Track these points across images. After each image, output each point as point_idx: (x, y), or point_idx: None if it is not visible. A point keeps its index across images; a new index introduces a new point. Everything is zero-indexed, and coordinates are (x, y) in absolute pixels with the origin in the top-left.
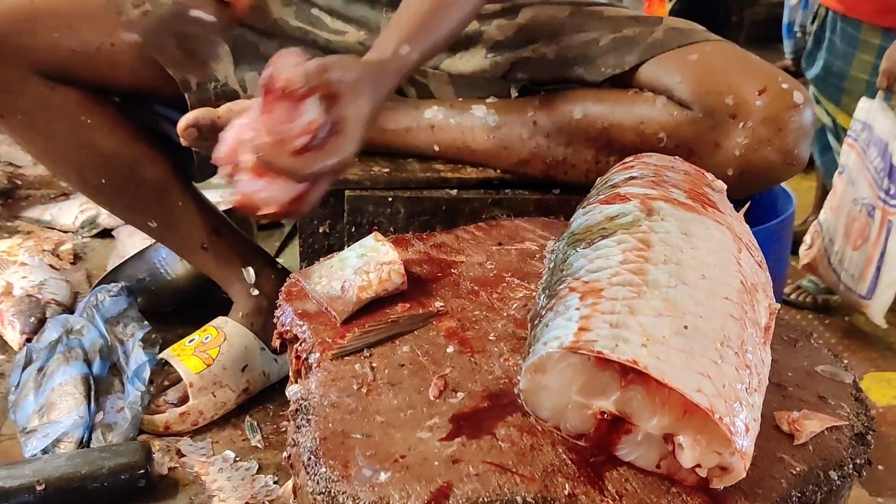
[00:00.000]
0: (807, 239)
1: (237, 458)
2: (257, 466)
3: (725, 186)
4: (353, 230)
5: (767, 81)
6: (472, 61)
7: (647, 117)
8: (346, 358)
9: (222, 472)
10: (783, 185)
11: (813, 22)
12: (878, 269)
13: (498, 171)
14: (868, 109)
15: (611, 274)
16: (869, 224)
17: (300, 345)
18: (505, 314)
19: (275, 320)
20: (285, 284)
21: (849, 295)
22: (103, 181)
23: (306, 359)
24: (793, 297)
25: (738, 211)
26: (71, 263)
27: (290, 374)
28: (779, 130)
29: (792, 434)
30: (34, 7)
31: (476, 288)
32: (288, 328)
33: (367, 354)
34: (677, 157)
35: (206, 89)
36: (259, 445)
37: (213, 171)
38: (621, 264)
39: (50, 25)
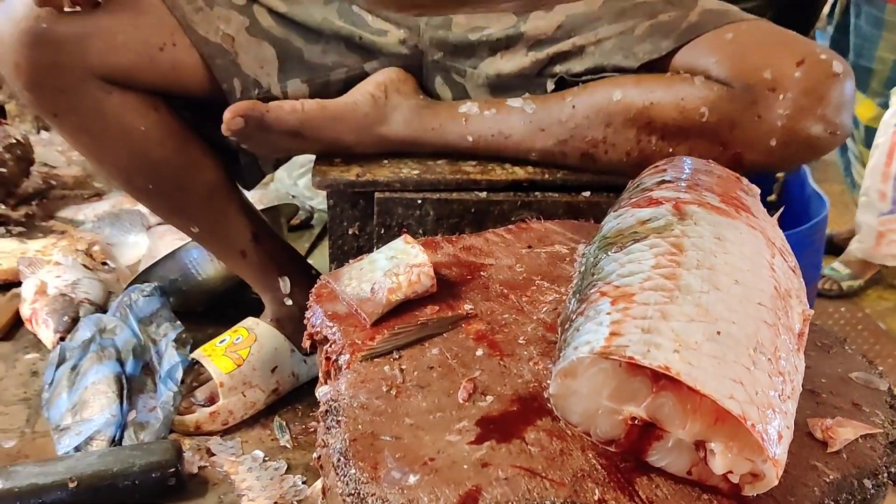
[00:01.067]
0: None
1: (266, 458)
2: (286, 466)
3: (759, 191)
4: (382, 232)
5: (805, 53)
6: (513, 60)
7: (687, 94)
8: (375, 360)
9: (251, 472)
10: (816, 188)
11: (832, 12)
12: None
13: (536, 168)
14: None
15: (643, 279)
16: None
17: (330, 346)
18: (535, 318)
19: (305, 321)
20: (315, 286)
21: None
22: (150, 186)
23: (336, 360)
24: (820, 286)
25: (771, 216)
26: (103, 263)
27: (320, 375)
28: (820, 100)
29: (825, 441)
30: (97, 7)
31: (505, 291)
32: (318, 329)
33: (397, 356)
34: (711, 161)
35: (250, 96)
36: (288, 445)
37: (260, 176)
38: (653, 269)
39: (115, 26)
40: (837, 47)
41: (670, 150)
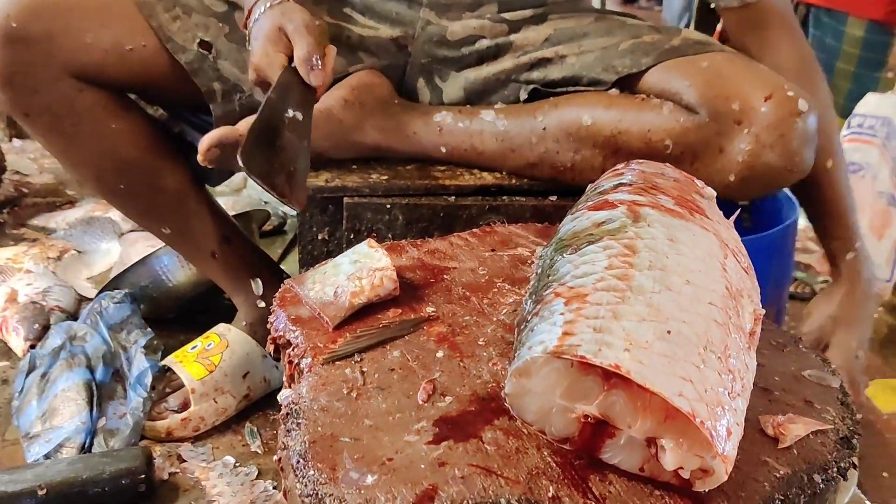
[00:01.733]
0: (816, 245)
1: (237, 464)
2: (257, 472)
3: (715, 193)
4: (351, 237)
5: (774, 88)
6: (496, 66)
7: (654, 125)
8: (336, 363)
9: (222, 478)
10: (787, 192)
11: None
12: None
13: (503, 172)
14: (888, 104)
15: (596, 279)
16: (890, 212)
17: (293, 350)
18: (495, 319)
19: (268, 326)
20: (279, 290)
21: (875, 284)
22: (121, 186)
23: (298, 364)
24: (792, 289)
25: (729, 218)
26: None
27: (285, 379)
28: (781, 136)
29: (777, 438)
30: (69, 9)
31: (467, 293)
32: (281, 333)
33: (358, 359)
34: (668, 164)
35: (232, 100)
36: (259, 451)
37: (228, 174)
38: (606, 270)
39: (84, 27)
40: None
41: None
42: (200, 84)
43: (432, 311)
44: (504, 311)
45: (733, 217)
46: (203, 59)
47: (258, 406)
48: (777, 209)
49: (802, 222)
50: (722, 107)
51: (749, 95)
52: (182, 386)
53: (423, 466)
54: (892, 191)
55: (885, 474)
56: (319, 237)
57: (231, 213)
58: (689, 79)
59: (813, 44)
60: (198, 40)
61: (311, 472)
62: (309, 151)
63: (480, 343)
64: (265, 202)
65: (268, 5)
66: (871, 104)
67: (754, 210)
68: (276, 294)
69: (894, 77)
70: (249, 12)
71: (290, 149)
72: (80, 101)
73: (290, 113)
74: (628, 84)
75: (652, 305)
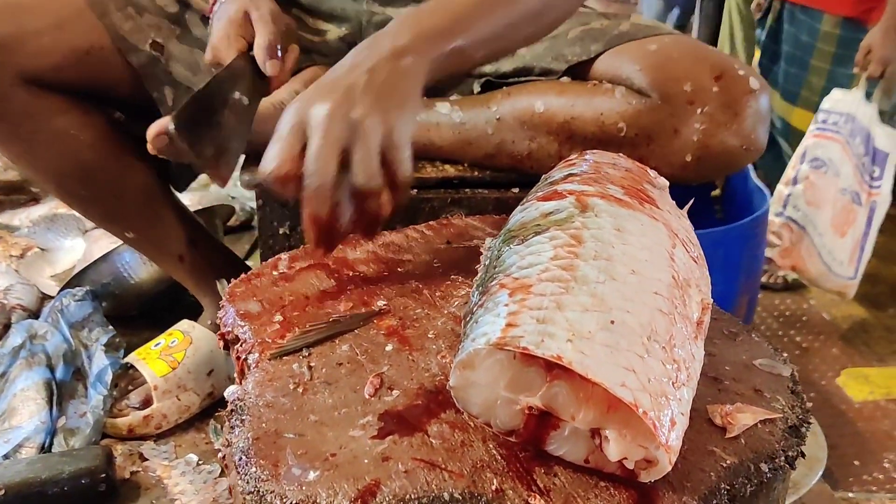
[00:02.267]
0: (777, 240)
1: (200, 462)
2: (220, 470)
3: (668, 183)
4: None
5: (724, 68)
6: None
7: (606, 108)
8: (284, 358)
9: (185, 476)
10: (758, 182)
11: (764, 17)
12: (863, 249)
13: (465, 164)
14: (850, 101)
15: (541, 270)
16: (854, 210)
17: (241, 345)
18: (446, 311)
19: (218, 321)
20: (229, 286)
21: (837, 280)
22: (83, 192)
23: (246, 359)
24: (764, 279)
25: (716, 210)
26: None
27: (235, 376)
28: (735, 115)
29: (725, 427)
30: (22, 9)
31: (420, 286)
32: (230, 329)
33: (306, 354)
34: (622, 154)
35: (181, 102)
36: (222, 448)
37: (193, 177)
38: (551, 260)
39: (40, 30)
40: (768, 53)
41: None
42: (150, 88)
43: (384, 305)
44: (455, 303)
45: (686, 207)
46: (155, 63)
47: (222, 403)
48: (748, 200)
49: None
50: (673, 89)
51: (700, 76)
52: (145, 383)
53: (366, 461)
54: (855, 188)
55: (856, 462)
56: (280, 231)
57: (197, 207)
58: (639, 63)
59: (787, 40)
60: (150, 41)
61: (253, 469)
62: (246, 137)
63: (430, 336)
64: (232, 197)
65: None
66: (835, 100)
67: (725, 201)
68: (226, 289)
69: (860, 73)
70: (213, 3)
71: (226, 127)
72: (38, 107)
73: (236, 95)
74: (580, 71)
75: (596, 296)
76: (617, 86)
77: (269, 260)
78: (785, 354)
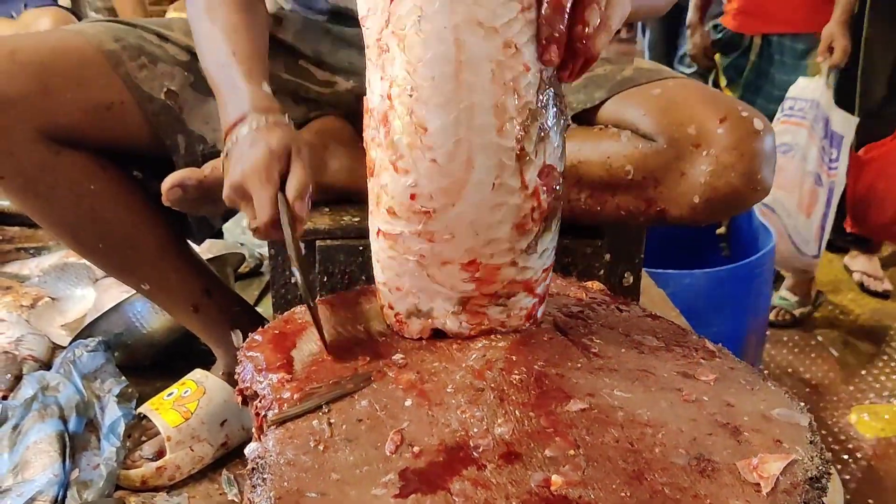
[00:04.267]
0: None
1: None
2: None
3: None
4: (325, 280)
5: (727, 110)
6: None
7: (613, 152)
8: (305, 415)
9: None
10: (763, 221)
11: (741, 54)
12: (824, 228)
13: None
14: (813, 88)
15: None
16: (816, 191)
17: (259, 402)
18: (464, 365)
19: (236, 376)
20: (245, 339)
21: (803, 260)
22: (100, 245)
23: (265, 416)
24: (772, 317)
25: (722, 249)
26: None
27: (254, 431)
28: (741, 156)
29: (758, 482)
30: (44, 66)
31: (437, 338)
32: (248, 385)
33: (326, 410)
34: None
35: (194, 151)
36: (236, 500)
37: (210, 231)
38: None
39: (62, 87)
40: (750, 87)
41: (598, 207)
42: (164, 136)
43: (401, 358)
44: (473, 356)
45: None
46: (168, 111)
47: (236, 454)
48: (753, 237)
49: None
50: (678, 132)
51: (704, 119)
52: (158, 433)
53: None
54: (818, 171)
55: (870, 501)
56: (292, 280)
57: (207, 255)
58: (644, 108)
59: (777, 69)
60: (164, 89)
61: None
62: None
63: (449, 390)
64: (241, 244)
65: (262, 122)
66: (800, 87)
67: (732, 239)
68: (245, 343)
69: (822, 62)
70: (232, 127)
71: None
72: (57, 163)
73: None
74: (585, 117)
75: None
76: (623, 130)
77: (285, 314)
78: (802, 403)
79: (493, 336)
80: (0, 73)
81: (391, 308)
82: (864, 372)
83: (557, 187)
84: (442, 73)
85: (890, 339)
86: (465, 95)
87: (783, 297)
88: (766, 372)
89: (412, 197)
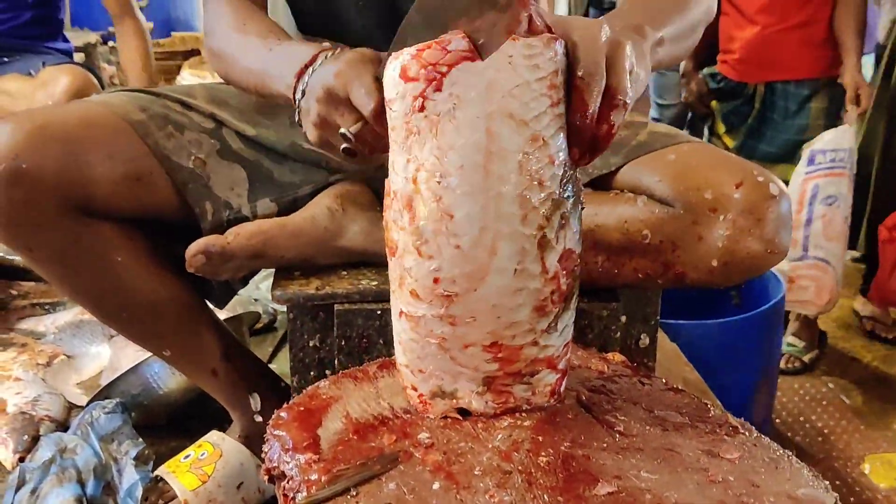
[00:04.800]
0: (809, 282)
1: None
2: None
3: None
4: (342, 343)
5: (743, 175)
6: None
7: (630, 216)
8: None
9: None
10: (773, 270)
11: (744, 102)
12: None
13: None
14: (847, 137)
15: None
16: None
17: (287, 482)
18: (490, 445)
19: (263, 455)
20: (272, 418)
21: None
22: (123, 314)
23: (294, 498)
24: (781, 364)
25: (733, 300)
26: None
27: None
28: (758, 221)
29: None
30: (74, 139)
31: (459, 417)
32: (276, 464)
33: (354, 493)
34: None
35: (220, 218)
36: None
37: (232, 294)
38: None
39: (93, 160)
40: (754, 134)
41: (616, 270)
42: (192, 203)
43: (427, 437)
44: (499, 436)
45: None
46: (196, 179)
47: None
48: (764, 286)
49: None
50: (695, 197)
51: (720, 183)
52: (175, 497)
53: None
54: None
55: None
56: (311, 344)
57: (223, 313)
58: (659, 174)
59: (778, 113)
60: (193, 157)
61: None
62: None
63: (477, 473)
64: (255, 300)
65: (335, 51)
66: (829, 139)
67: (743, 289)
68: (270, 421)
69: (853, 109)
70: (301, 71)
71: None
72: (85, 235)
73: None
74: (601, 183)
75: None
76: (639, 195)
77: (309, 388)
78: (826, 482)
79: (518, 414)
80: (31, 147)
81: (414, 389)
82: (876, 419)
83: (575, 269)
84: (472, 162)
85: None
86: (493, 185)
87: (790, 343)
88: (777, 420)
89: (435, 281)
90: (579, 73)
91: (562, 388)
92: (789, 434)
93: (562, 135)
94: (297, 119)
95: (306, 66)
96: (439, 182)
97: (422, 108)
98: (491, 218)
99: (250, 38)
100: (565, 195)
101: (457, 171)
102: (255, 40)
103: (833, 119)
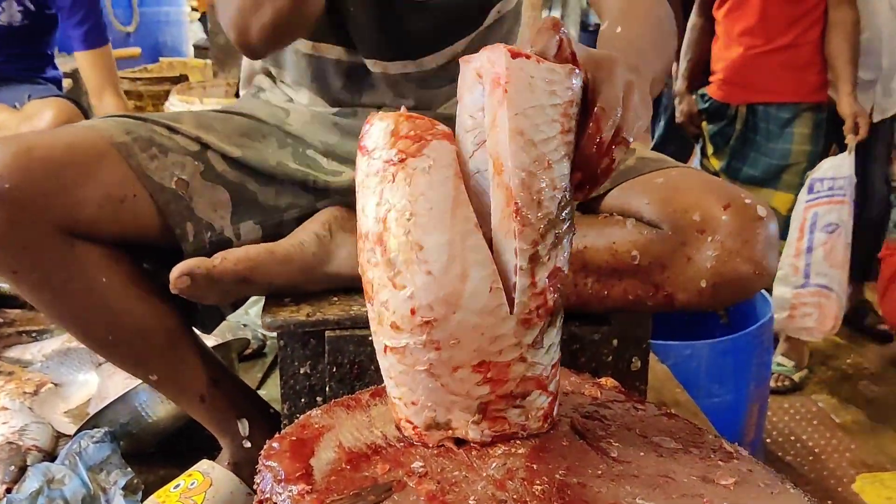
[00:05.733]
0: (812, 310)
1: None
2: None
3: None
4: (334, 370)
5: (731, 198)
6: None
7: (618, 238)
8: None
9: None
10: (762, 290)
11: (728, 123)
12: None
13: None
14: (846, 164)
15: None
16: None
17: None
18: (484, 474)
19: (255, 486)
20: (264, 449)
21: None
22: (110, 338)
23: None
24: (771, 384)
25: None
26: None
27: None
28: (746, 242)
29: None
30: (59, 162)
31: (454, 445)
32: (268, 496)
33: None
34: None
35: (202, 239)
36: None
37: (220, 319)
38: None
39: (78, 182)
40: (737, 155)
41: (605, 292)
42: (174, 224)
43: (420, 466)
44: (493, 464)
45: None
46: (178, 199)
47: None
48: (752, 306)
49: None
50: (682, 220)
51: (708, 206)
52: None
53: None
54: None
55: None
56: (302, 371)
57: (211, 339)
58: (647, 196)
59: (762, 136)
60: (175, 178)
61: None
62: None
63: (471, 502)
64: (244, 325)
65: None
66: (828, 168)
67: (731, 308)
68: (262, 452)
69: (852, 138)
70: None
71: None
72: (72, 258)
73: None
74: (589, 206)
75: None
76: (627, 218)
77: (301, 418)
78: None
79: (512, 442)
80: (18, 170)
81: (409, 422)
82: (867, 438)
83: (562, 287)
84: (440, 208)
85: (891, 406)
86: (458, 224)
87: (780, 362)
88: (768, 440)
89: (412, 311)
90: (599, 104)
91: (555, 412)
92: (780, 453)
93: (566, 161)
94: None
95: None
96: (409, 219)
97: (402, 161)
98: (458, 249)
99: None
100: (561, 217)
101: (427, 211)
102: None
103: (818, 145)
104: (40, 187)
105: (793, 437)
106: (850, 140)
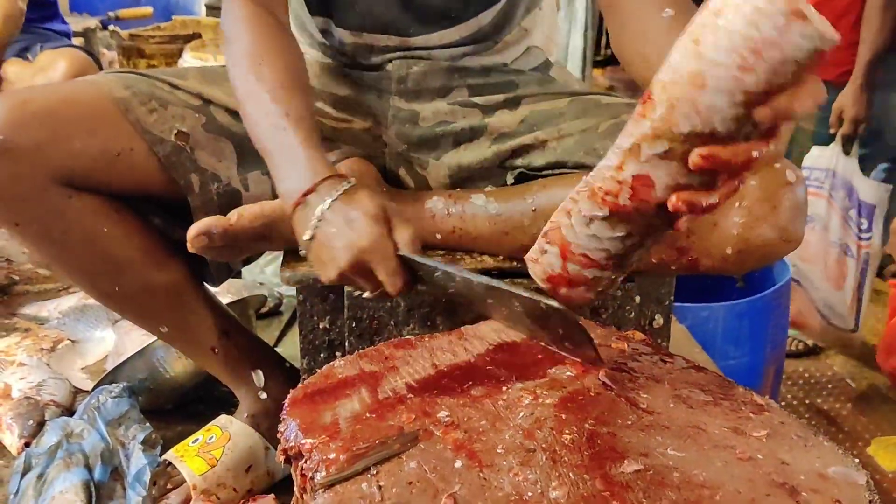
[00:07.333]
0: None
1: None
2: None
3: None
4: (353, 325)
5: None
6: (476, 151)
7: None
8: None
9: None
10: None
11: None
12: (860, 301)
13: (500, 257)
14: (828, 157)
15: None
16: (845, 262)
17: (305, 462)
18: (512, 424)
19: (279, 434)
20: (289, 396)
21: (839, 334)
22: (116, 289)
23: (312, 478)
24: (789, 348)
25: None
26: None
27: (296, 489)
28: (774, 208)
29: None
30: (54, 114)
31: (482, 395)
32: (292, 444)
33: (374, 472)
34: None
35: (209, 190)
36: None
37: (227, 273)
38: None
39: (72, 134)
40: None
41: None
42: (177, 177)
43: (446, 416)
44: (521, 414)
45: None
46: (180, 151)
47: None
48: (768, 269)
49: None
50: None
51: None
52: (183, 481)
53: None
54: (845, 240)
55: None
56: (321, 326)
57: (227, 297)
58: None
59: None
60: (175, 131)
61: None
62: None
63: (499, 451)
64: (260, 283)
65: (338, 191)
66: (814, 157)
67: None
68: (287, 400)
69: (835, 132)
70: (302, 198)
71: None
72: (70, 208)
73: None
74: None
75: None
76: None
77: (325, 368)
78: (857, 460)
79: (539, 392)
80: (12, 122)
81: None
82: (881, 402)
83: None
84: None
85: None
86: None
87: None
88: (782, 403)
89: None
90: None
91: None
92: (795, 416)
93: None
94: (301, 252)
95: (304, 196)
96: None
97: None
98: None
99: (262, 93)
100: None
101: None
102: (265, 98)
103: (825, 128)
104: (34, 139)
105: (807, 401)
106: (832, 132)
